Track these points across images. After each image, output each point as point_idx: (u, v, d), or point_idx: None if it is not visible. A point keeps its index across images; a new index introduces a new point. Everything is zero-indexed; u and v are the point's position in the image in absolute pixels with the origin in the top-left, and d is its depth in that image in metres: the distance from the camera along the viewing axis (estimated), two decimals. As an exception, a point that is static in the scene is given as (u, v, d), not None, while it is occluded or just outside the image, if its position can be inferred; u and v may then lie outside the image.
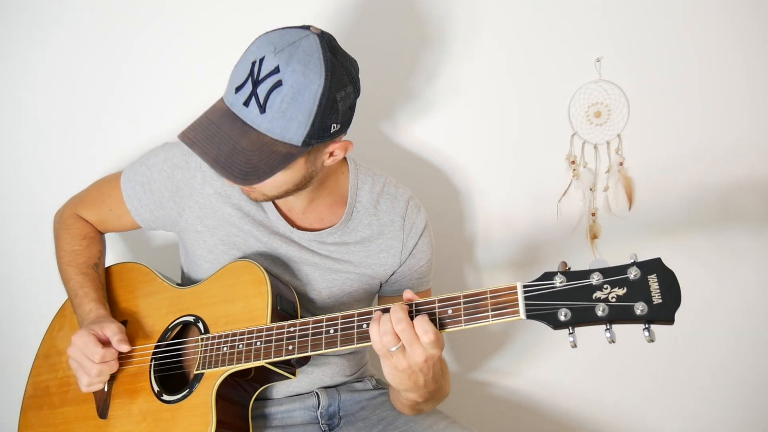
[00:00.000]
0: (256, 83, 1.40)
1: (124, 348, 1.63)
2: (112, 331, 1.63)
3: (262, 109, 1.39)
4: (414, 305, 1.38)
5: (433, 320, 1.35)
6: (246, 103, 1.41)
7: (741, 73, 2.12)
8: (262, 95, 1.39)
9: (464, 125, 2.18)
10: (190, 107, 2.06)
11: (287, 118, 1.40)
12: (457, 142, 2.19)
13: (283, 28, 1.47)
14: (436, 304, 1.36)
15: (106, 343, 1.63)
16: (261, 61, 1.41)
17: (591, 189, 2.18)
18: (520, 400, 2.41)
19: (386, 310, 1.38)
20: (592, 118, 2.13)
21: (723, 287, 2.25)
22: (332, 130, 1.47)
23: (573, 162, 2.16)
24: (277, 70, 1.39)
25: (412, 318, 1.35)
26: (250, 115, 1.41)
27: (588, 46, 2.11)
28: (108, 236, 1.95)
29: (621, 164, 2.16)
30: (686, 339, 2.24)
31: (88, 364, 1.60)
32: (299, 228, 1.73)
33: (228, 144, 1.41)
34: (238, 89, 1.42)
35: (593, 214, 2.19)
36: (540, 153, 2.18)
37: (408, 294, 1.41)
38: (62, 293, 1.84)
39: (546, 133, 2.17)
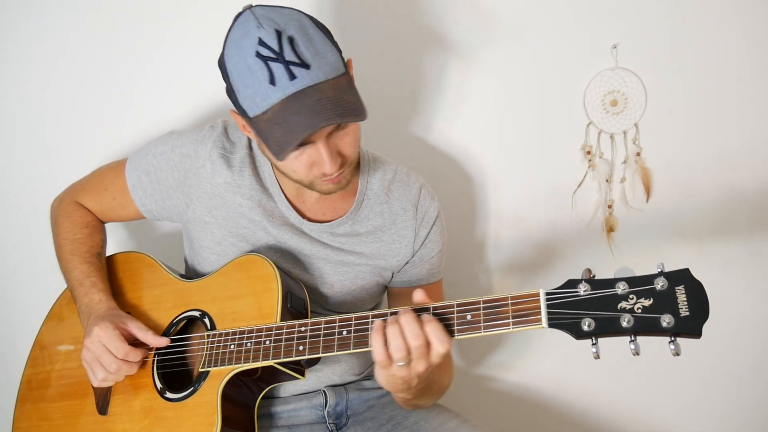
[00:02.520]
0: (279, 56, 1.41)
1: (161, 342, 1.64)
2: (138, 326, 1.64)
3: (305, 65, 1.41)
4: (432, 308, 1.38)
5: (450, 325, 1.35)
6: (291, 77, 1.40)
7: (766, 61, 2.12)
8: (294, 58, 1.41)
9: (476, 114, 2.18)
10: (193, 92, 2.08)
11: (321, 55, 1.43)
12: (469, 131, 2.20)
13: (229, 28, 1.49)
14: (455, 308, 1.36)
15: (128, 339, 1.63)
16: (261, 44, 1.42)
17: (607, 180, 2.19)
18: (524, 395, 2.42)
19: (394, 313, 1.39)
20: (608, 107, 2.14)
21: (748, 286, 2.27)
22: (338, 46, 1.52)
23: (588, 152, 2.17)
24: (279, 34, 1.41)
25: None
26: (306, 78, 1.41)
27: (604, 32, 2.11)
28: (109, 223, 1.95)
29: (638, 155, 2.17)
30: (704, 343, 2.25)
31: (108, 359, 1.60)
32: (310, 220, 1.74)
33: (326, 104, 1.41)
34: (273, 81, 1.41)
35: (609, 207, 2.20)
36: (554, 143, 2.19)
37: (419, 296, 1.40)
38: (60, 282, 1.84)
39: (560, 123, 2.18)
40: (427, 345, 1.33)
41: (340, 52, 1.50)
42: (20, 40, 2.10)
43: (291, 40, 1.41)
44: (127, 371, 1.63)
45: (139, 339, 1.65)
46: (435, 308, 1.38)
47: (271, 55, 1.41)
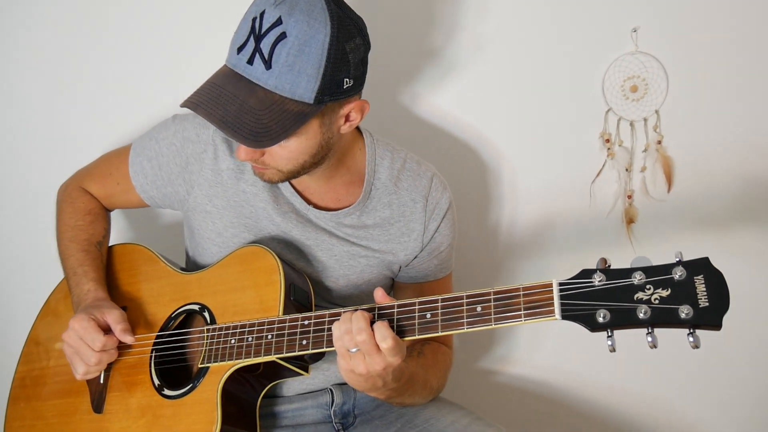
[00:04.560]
0: (259, 38, 1.41)
1: (128, 339, 1.65)
2: (115, 318, 1.65)
3: (268, 64, 1.41)
4: (439, 300, 1.40)
5: (459, 318, 1.36)
6: (250, 61, 1.42)
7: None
8: (266, 50, 1.41)
9: (491, 100, 2.18)
10: (194, 77, 2.07)
11: (295, 72, 1.41)
12: (484, 117, 2.19)
13: None
14: (464, 300, 1.37)
15: (106, 329, 1.64)
16: (261, 15, 1.42)
17: (627, 169, 2.19)
18: (537, 391, 2.43)
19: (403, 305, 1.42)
20: (628, 93, 2.14)
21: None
22: (345, 86, 1.48)
23: (607, 140, 2.17)
24: (279, 22, 1.41)
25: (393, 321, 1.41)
26: (256, 72, 1.42)
27: (624, 15, 2.10)
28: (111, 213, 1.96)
29: (659, 143, 2.17)
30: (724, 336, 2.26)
31: (87, 352, 1.61)
32: (315, 206, 1.74)
33: (234, 104, 1.42)
34: (240, 49, 1.44)
35: (629, 197, 2.20)
36: (572, 131, 2.19)
37: (378, 295, 1.46)
38: (55, 275, 1.86)
39: (578, 109, 2.18)
40: (374, 343, 1.38)
41: (327, 89, 1.45)
42: (19, 28, 2.12)
43: (282, 36, 1.41)
44: (108, 360, 1.65)
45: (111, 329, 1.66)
46: (444, 299, 1.40)
47: (256, 31, 1.42)
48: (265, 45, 1.41)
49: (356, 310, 1.43)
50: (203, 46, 2.07)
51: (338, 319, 1.43)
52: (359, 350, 1.38)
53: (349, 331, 1.38)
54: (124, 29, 2.12)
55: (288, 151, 1.53)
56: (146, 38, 2.13)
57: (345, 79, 1.47)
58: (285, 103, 1.43)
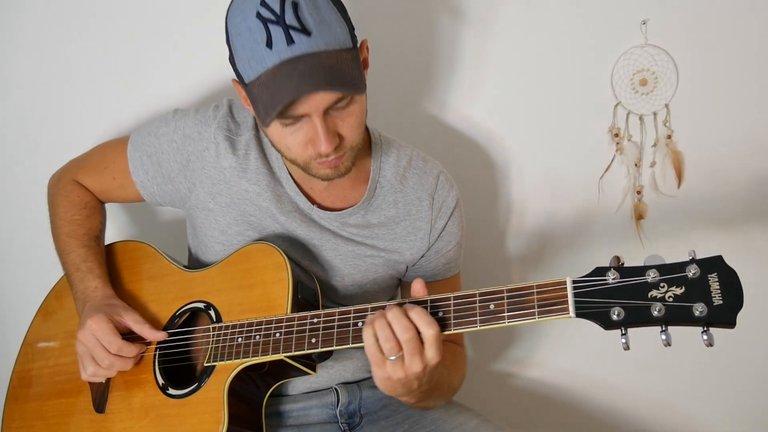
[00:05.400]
0: (279, 20, 1.41)
1: (159, 335, 1.66)
2: (134, 319, 1.66)
3: (306, 32, 1.42)
4: (452, 298, 1.41)
5: (472, 316, 1.37)
6: (289, 42, 1.41)
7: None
8: (295, 22, 1.41)
9: (498, 95, 2.19)
10: (198, 67, 2.09)
11: (326, 24, 1.44)
12: (490, 112, 2.20)
13: None
14: (477, 298, 1.38)
15: (123, 332, 1.65)
16: (263, 5, 1.43)
17: (636, 164, 2.20)
18: (548, 393, 2.44)
19: (399, 305, 1.41)
20: (637, 87, 2.15)
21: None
22: (351, 20, 1.52)
23: (616, 135, 2.18)
24: None
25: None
26: (303, 45, 1.42)
27: (633, 7, 2.11)
28: (109, 208, 1.96)
29: (669, 137, 2.18)
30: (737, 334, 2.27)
31: (101, 354, 1.62)
32: (319, 207, 1.75)
33: (319, 71, 1.41)
34: (270, 44, 1.42)
35: (638, 192, 2.21)
36: (580, 125, 2.20)
37: (417, 286, 1.44)
38: (54, 271, 1.87)
39: (586, 103, 2.18)
40: (419, 338, 1.37)
41: (351, 27, 1.51)
42: (15, 17, 2.12)
43: (295, 5, 1.41)
44: (120, 367, 1.65)
45: (135, 332, 1.67)
46: (456, 297, 1.41)
47: (272, 17, 1.41)
48: (290, 19, 1.41)
49: (376, 307, 1.45)
50: (200, 34, 2.09)
51: (360, 322, 1.45)
52: (400, 356, 1.38)
53: (391, 338, 1.36)
54: (118, 16, 2.12)
55: (359, 110, 1.54)
56: (140, 26, 2.13)
57: (347, 16, 1.52)
58: (341, 54, 1.46)
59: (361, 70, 1.51)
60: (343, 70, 1.44)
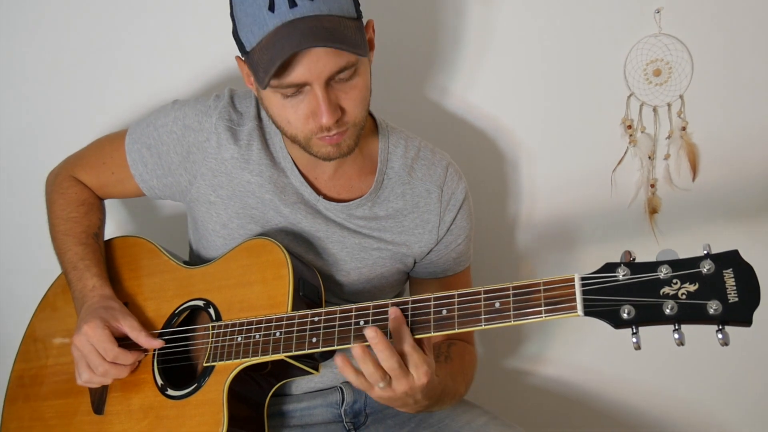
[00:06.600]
0: None
1: (156, 343, 1.65)
2: (131, 326, 1.64)
3: None
4: (456, 296, 1.38)
5: (477, 314, 1.35)
6: (292, 5, 1.41)
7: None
8: None
9: (508, 85, 2.18)
10: (198, 56, 2.08)
11: None
12: (500, 104, 2.19)
13: None
14: (482, 296, 1.35)
15: (119, 338, 1.63)
16: None
17: (650, 157, 2.19)
18: (557, 390, 2.44)
19: (416, 302, 1.41)
20: (650, 77, 2.14)
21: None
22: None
23: (629, 126, 2.17)
24: None
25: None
26: (307, 7, 1.41)
27: (646, -5, 2.09)
28: (108, 203, 1.96)
29: (684, 129, 2.17)
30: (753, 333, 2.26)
31: (96, 360, 1.60)
32: (325, 197, 1.74)
33: (320, 30, 1.41)
34: (272, 8, 1.42)
35: (652, 186, 2.20)
36: (592, 116, 2.18)
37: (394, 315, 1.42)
38: (53, 268, 1.85)
39: (599, 94, 2.17)
40: (404, 369, 1.37)
41: (356, 1, 1.51)
42: (14, 11, 2.11)
43: None
44: (115, 375, 1.63)
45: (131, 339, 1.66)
46: (461, 295, 1.38)
47: None
48: None
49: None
50: (199, 26, 2.08)
51: (362, 321, 1.44)
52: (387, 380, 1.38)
53: (371, 374, 1.36)
54: (117, 10, 2.11)
55: (363, 84, 1.53)
56: (140, 19, 2.12)
57: None
58: (345, 22, 1.45)
59: (365, 41, 1.50)
60: (346, 34, 1.43)
